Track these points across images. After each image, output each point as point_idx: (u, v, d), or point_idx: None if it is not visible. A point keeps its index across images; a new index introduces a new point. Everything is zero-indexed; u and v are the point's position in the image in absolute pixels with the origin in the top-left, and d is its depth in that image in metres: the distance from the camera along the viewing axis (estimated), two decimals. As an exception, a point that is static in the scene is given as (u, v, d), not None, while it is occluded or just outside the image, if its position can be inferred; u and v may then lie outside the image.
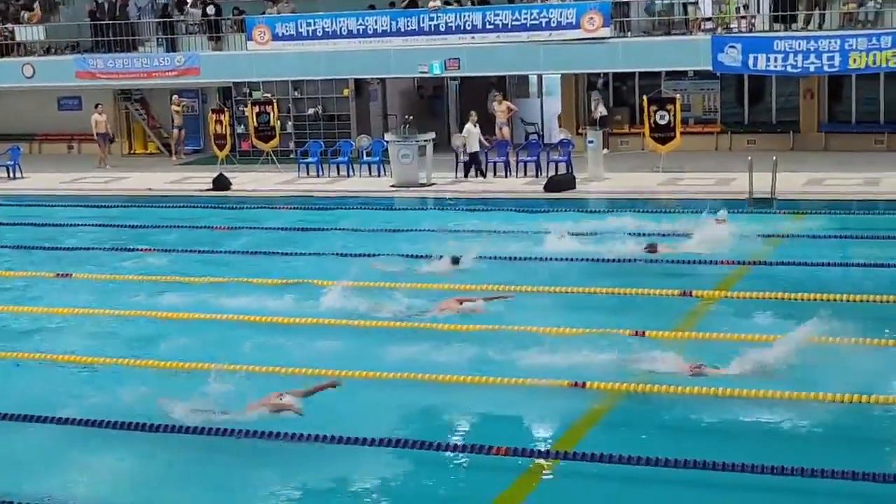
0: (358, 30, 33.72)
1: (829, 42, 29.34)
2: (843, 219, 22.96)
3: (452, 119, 37.28)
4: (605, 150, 31.94)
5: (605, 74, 34.44)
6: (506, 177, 30.30)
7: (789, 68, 29.95)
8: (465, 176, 30.04)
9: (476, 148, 29.90)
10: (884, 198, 24.94)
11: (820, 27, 31.06)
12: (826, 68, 29.68)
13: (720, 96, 33.62)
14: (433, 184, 29.45)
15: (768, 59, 29.98)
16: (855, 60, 29.17)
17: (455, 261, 19.28)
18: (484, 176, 29.99)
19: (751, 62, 30.15)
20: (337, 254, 21.37)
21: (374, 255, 20.81)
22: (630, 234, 21.53)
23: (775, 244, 21.09)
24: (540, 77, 36.82)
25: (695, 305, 17.04)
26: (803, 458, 10.84)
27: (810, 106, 32.24)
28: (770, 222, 22.80)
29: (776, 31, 30.93)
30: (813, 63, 29.59)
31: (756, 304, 16.60)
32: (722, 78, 32.86)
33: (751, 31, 31.29)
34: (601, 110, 33.31)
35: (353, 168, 32.23)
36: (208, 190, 30.28)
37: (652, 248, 19.95)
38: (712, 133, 33.18)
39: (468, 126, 29.87)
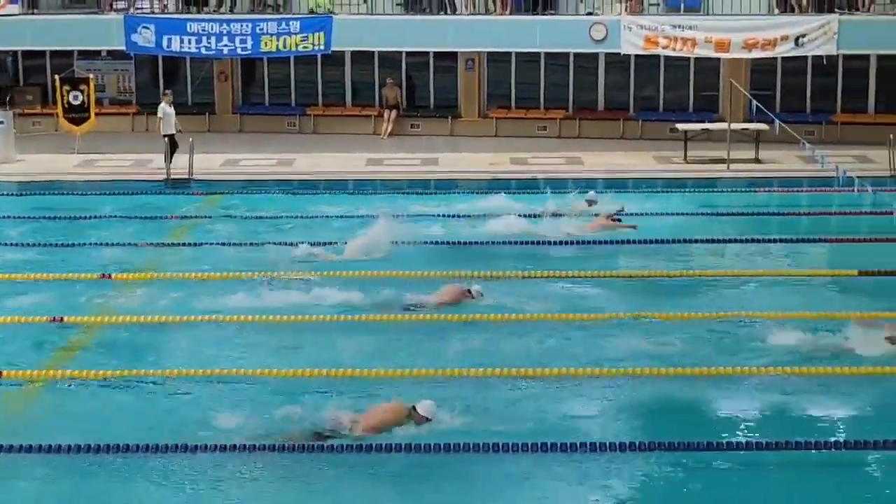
0: None
1: (242, 25, 29.90)
2: (259, 198, 23.57)
3: None
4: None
5: (13, 52, 32.96)
6: None
7: (203, 50, 30.20)
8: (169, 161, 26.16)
9: (172, 130, 26.54)
10: (297, 177, 25.83)
11: (231, 10, 31.57)
12: (239, 51, 30.24)
13: (135, 77, 33.26)
14: None
15: (182, 41, 30.07)
16: (266, 44, 29.93)
17: None
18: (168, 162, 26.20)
19: (165, 43, 30.11)
20: None
21: None
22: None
23: (193, 224, 21.35)
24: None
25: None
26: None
27: (225, 88, 32.69)
28: (187, 203, 23.15)
29: (189, 13, 31.08)
30: (226, 46, 30.03)
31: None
32: (136, 58, 32.51)
33: (164, 12, 31.24)
34: None
35: None
36: None
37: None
38: (129, 114, 32.76)
39: (162, 105, 26.81)
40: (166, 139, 26.16)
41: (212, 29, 29.86)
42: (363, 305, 15.75)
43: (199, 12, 31.12)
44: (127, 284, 17.12)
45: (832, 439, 11.58)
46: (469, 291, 15.98)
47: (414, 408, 11.73)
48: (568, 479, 10.84)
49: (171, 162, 25.73)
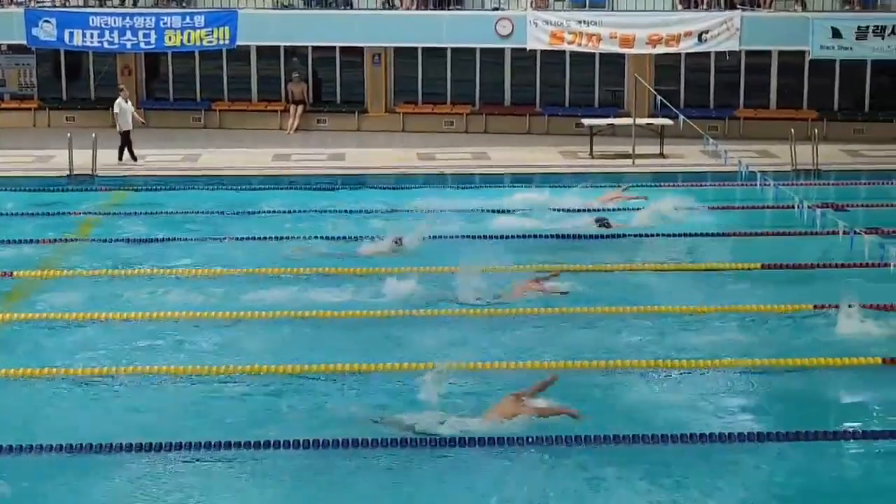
0: None
1: (145, 20, 29.59)
2: (165, 194, 23.36)
3: None
4: None
5: None
6: None
7: (106, 45, 29.83)
8: (121, 158, 26.13)
9: (129, 126, 26.27)
10: (203, 173, 25.60)
11: (135, 4, 31.18)
12: (143, 45, 29.92)
13: (36, 71, 32.70)
14: None
15: (84, 35, 29.66)
16: (171, 38, 29.63)
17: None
18: (135, 159, 26.26)
19: (67, 37, 29.68)
20: None
21: None
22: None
23: (98, 221, 21.10)
24: None
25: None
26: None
27: (129, 82, 32.20)
28: (91, 199, 22.87)
29: (92, 6, 30.66)
30: (129, 40, 29.67)
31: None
32: (38, 53, 31.99)
33: (65, 5, 30.76)
34: None
35: None
36: None
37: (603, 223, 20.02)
38: (30, 109, 32.21)
39: (119, 101, 26.38)
40: (124, 135, 26.16)
41: (114, 23, 29.50)
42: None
43: (101, 6, 30.69)
44: (29, 282, 16.85)
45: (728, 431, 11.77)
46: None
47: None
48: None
49: (122, 157, 25.95)
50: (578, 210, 21.19)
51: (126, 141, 26.30)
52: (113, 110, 26.68)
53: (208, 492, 10.58)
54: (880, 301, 15.51)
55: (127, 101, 26.66)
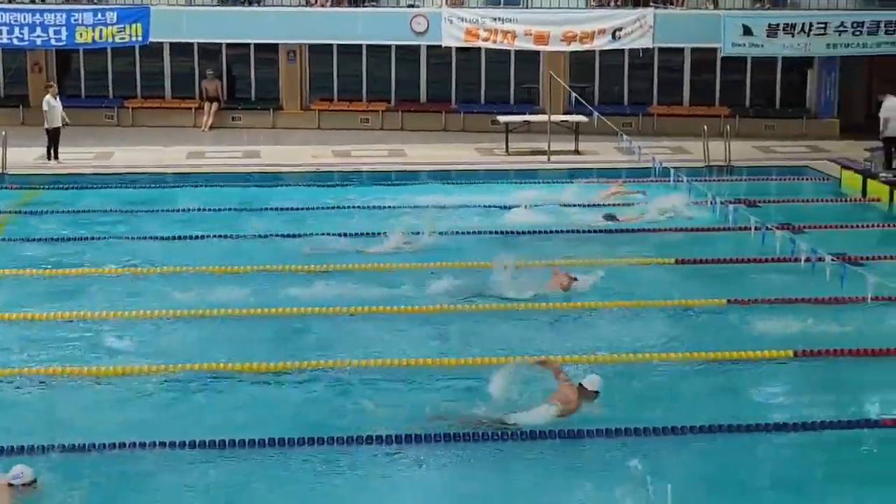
0: None
1: (56, 16, 29.12)
2: (78, 193, 23.08)
3: None
4: None
5: None
6: None
7: (15, 41, 29.32)
8: (49, 156, 25.74)
9: (58, 123, 25.76)
10: (117, 171, 25.31)
11: (45, 0, 30.69)
12: (53, 42, 29.45)
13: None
14: None
15: (-5, 32, 29.21)
16: (82, 35, 29.20)
17: None
18: (57, 158, 25.78)
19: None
20: None
21: None
22: None
23: (7, 220, 20.84)
24: None
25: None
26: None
27: (39, 80, 31.73)
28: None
29: (0, 2, 30.13)
30: (40, 36, 29.20)
31: None
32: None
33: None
34: None
35: None
36: None
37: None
38: (-63, 107, 31.65)
39: (47, 98, 25.78)
40: (53, 132, 25.84)
41: (24, 19, 29.01)
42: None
43: (10, 2, 30.18)
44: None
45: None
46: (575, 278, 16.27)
47: (581, 385, 11.94)
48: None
49: (55, 157, 25.69)
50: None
51: (54, 139, 25.91)
52: (42, 108, 26.23)
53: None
54: (791, 295, 15.79)
55: (56, 98, 26.26)
